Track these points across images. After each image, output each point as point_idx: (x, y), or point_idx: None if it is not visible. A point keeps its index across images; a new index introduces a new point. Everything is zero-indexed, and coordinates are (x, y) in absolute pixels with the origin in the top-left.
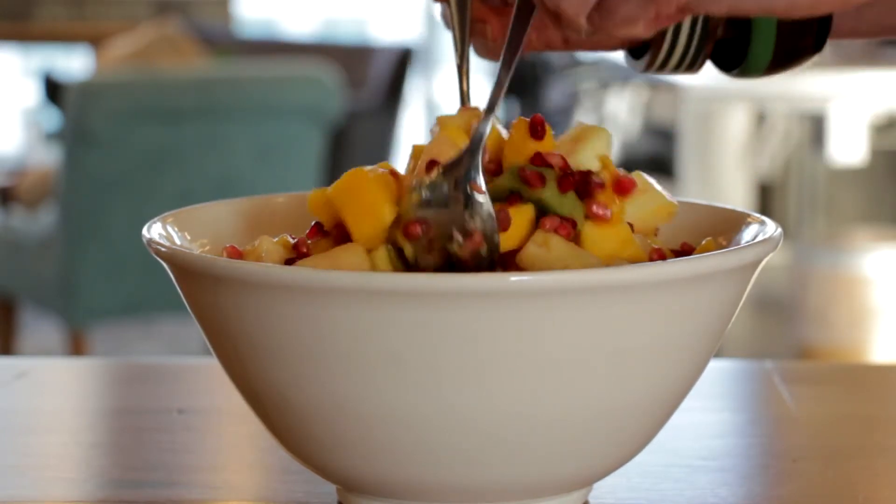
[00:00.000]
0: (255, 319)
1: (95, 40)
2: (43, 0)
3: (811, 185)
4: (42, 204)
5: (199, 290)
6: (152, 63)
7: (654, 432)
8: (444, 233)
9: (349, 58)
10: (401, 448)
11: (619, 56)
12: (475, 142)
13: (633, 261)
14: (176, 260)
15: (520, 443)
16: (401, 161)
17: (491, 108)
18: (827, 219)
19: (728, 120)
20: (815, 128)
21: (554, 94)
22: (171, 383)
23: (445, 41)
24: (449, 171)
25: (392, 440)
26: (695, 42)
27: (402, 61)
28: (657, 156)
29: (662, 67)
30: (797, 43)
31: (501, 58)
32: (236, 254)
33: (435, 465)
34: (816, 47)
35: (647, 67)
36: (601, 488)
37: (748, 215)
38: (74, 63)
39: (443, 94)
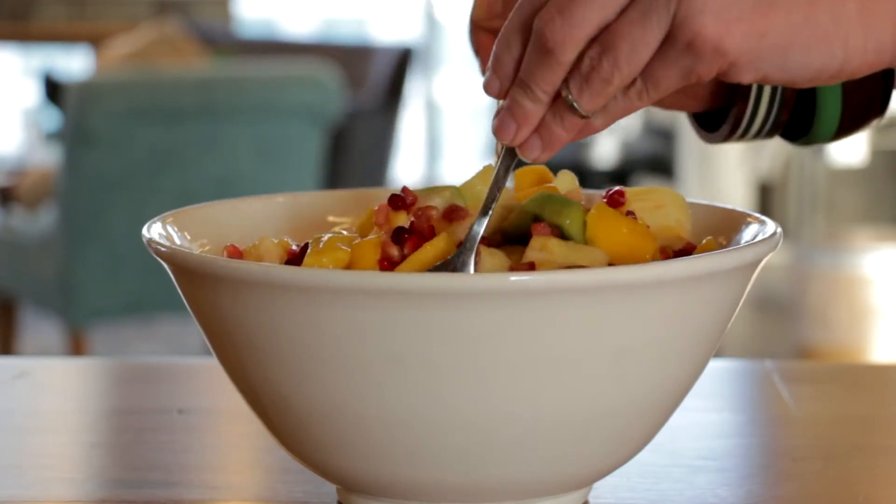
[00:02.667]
0: (255, 319)
1: (95, 40)
2: (43, 0)
3: (811, 185)
4: (42, 204)
5: (199, 290)
6: (152, 63)
7: (654, 432)
8: None
9: (349, 58)
10: (401, 448)
11: None
12: (470, 241)
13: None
14: (176, 260)
15: (520, 443)
16: (400, 163)
17: (486, 209)
18: (827, 219)
19: None
20: None
21: None
22: (171, 383)
23: (445, 41)
24: (442, 269)
25: (392, 440)
26: (774, 111)
27: (402, 61)
28: (657, 156)
29: (742, 136)
30: (864, 108)
31: (496, 167)
32: (237, 253)
33: (435, 465)
34: (881, 110)
35: (727, 137)
36: (601, 488)
37: (748, 215)
38: (74, 63)
39: (443, 94)
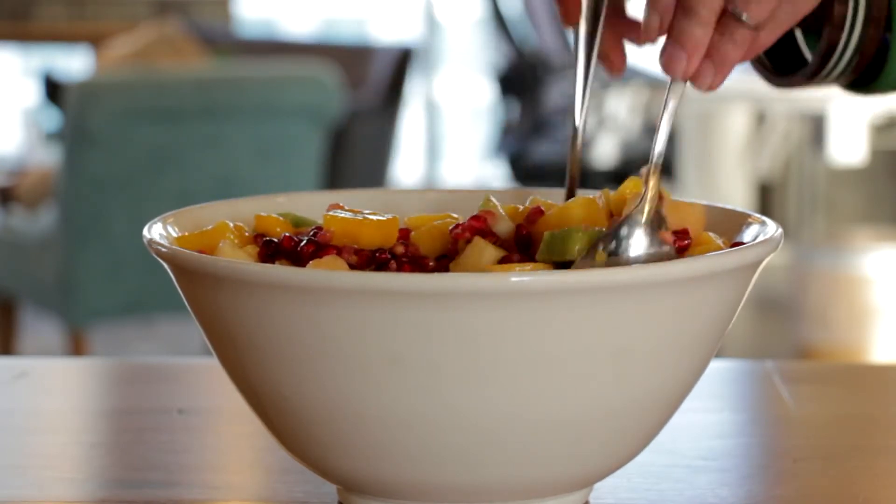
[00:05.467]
0: (255, 319)
1: (95, 40)
2: (43, 0)
3: (811, 185)
4: (42, 204)
5: (199, 290)
6: (152, 63)
7: (655, 432)
8: None
9: (349, 58)
10: (401, 448)
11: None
12: (650, 195)
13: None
14: (176, 260)
15: (520, 443)
16: (400, 162)
17: (659, 162)
18: (827, 219)
19: (728, 120)
20: (815, 128)
21: (554, 94)
22: (171, 383)
23: (445, 41)
24: (629, 222)
25: (392, 440)
26: (851, 48)
27: (402, 61)
28: None
29: (826, 76)
30: None
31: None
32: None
33: (435, 465)
34: None
35: (813, 76)
36: (601, 488)
37: (748, 215)
38: (74, 63)
39: (443, 94)
